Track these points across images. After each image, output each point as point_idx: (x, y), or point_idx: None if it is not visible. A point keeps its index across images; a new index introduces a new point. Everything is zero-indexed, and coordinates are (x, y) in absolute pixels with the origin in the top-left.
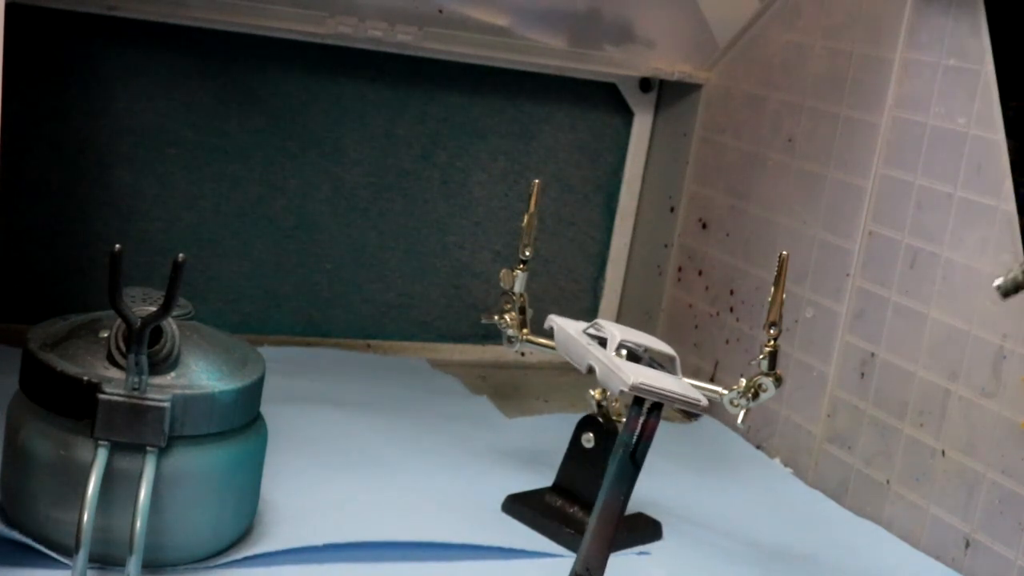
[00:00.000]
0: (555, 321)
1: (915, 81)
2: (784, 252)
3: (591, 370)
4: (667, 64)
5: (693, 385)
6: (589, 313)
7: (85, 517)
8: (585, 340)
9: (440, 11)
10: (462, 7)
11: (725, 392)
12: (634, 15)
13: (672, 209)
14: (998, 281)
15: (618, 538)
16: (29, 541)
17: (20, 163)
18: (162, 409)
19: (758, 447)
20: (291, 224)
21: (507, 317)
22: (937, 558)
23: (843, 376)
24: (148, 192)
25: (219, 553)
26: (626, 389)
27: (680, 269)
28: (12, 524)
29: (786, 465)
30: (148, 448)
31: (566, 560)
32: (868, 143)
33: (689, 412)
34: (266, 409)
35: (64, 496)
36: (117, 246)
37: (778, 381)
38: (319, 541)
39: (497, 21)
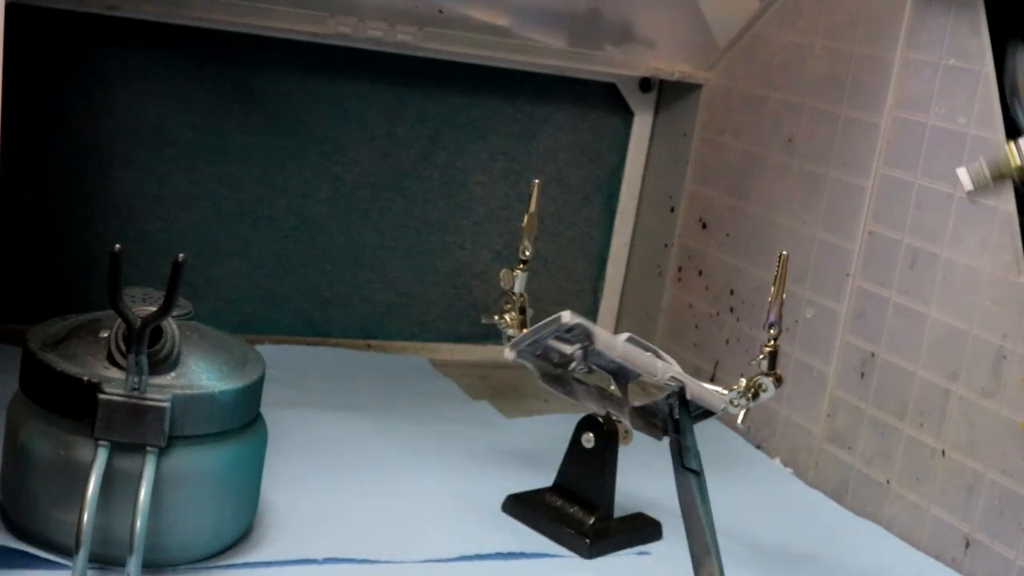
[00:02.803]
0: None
1: (915, 81)
2: (784, 252)
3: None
4: (667, 64)
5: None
6: (589, 313)
7: (85, 517)
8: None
9: (440, 11)
10: (462, 7)
11: (725, 392)
12: (634, 15)
13: (672, 209)
14: (968, 185)
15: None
16: (28, 548)
17: (20, 163)
18: (162, 409)
19: (758, 447)
20: (291, 224)
21: (507, 317)
22: (937, 558)
23: (843, 376)
24: (148, 192)
25: (219, 553)
26: (719, 409)
27: (680, 269)
28: (12, 524)
29: (786, 465)
30: (148, 448)
31: (566, 560)
32: (868, 143)
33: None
34: (266, 410)
35: (64, 496)
36: (117, 246)
37: (778, 381)
38: (319, 555)
39: (497, 21)
